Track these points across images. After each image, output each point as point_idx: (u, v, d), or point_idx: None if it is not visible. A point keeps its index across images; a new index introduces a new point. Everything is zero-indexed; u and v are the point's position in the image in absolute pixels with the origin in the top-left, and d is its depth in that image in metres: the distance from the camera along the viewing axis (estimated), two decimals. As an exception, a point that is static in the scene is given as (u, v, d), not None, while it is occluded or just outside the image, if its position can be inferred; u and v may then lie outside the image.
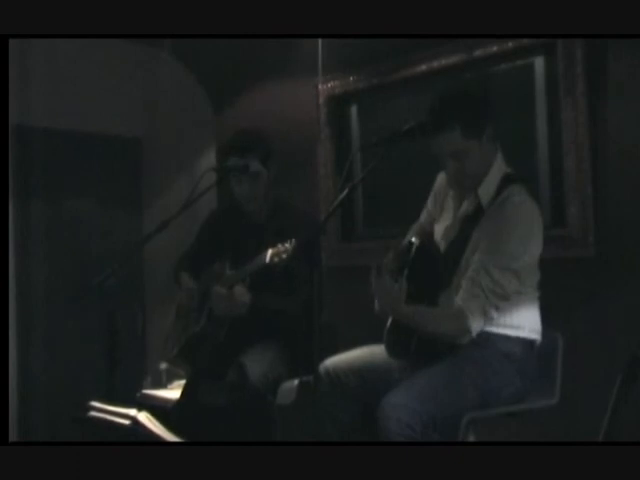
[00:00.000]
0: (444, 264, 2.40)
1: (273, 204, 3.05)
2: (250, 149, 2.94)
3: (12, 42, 2.56)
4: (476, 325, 2.26)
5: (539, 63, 3.05)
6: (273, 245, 2.62)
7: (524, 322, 2.38)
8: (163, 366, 4.01)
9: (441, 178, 2.63)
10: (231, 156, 2.95)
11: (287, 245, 2.54)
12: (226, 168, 2.99)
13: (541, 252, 2.39)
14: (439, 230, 2.55)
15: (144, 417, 2.11)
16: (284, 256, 2.53)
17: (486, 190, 2.39)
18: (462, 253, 2.37)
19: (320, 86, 3.76)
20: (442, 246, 2.48)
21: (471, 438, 2.24)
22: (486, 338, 2.33)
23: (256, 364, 2.78)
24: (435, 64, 3.31)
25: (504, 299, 2.28)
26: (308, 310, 2.69)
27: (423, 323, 2.32)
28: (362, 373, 2.47)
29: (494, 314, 2.28)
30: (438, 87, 2.56)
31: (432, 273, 2.40)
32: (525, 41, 2.98)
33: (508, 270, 2.26)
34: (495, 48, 3.09)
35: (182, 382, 3.25)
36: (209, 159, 4.38)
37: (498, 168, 2.41)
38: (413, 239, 2.34)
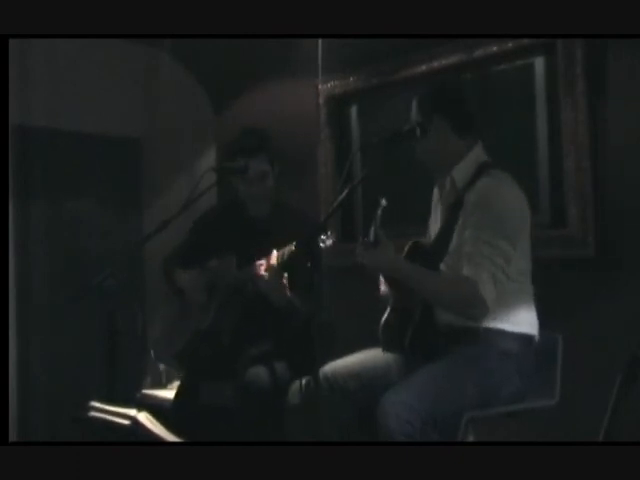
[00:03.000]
0: (435, 258, 2.41)
1: (273, 203, 3.05)
2: (260, 149, 2.95)
3: (12, 42, 2.57)
4: (488, 292, 2.26)
5: (539, 63, 3.05)
6: (277, 245, 2.62)
7: (521, 317, 2.39)
8: (163, 366, 4.01)
9: (435, 189, 2.66)
10: (239, 156, 2.94)
11: (323, 236, 2.49)
12: (227, 168, 2.99)
13: (533, 242, 2.43)
14: (431, 230, 2.61)
15: (144, 417, 2.11)
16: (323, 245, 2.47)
17: (460, 173, 2.44)
18: (449, 241, 2.40)
19: (320, 86, 3.76)
20: (432, 240, 2.53)
21: (471, 437, 2.24)
22: (485, 335, 2.34)
23: (264, 364, 2.79)
24: (435, 64, 3.31)
25: (507, 261, 2.30)
26: (309, 310, 2.70)
27: (428, 285, 2.35)
28: (361, 377, 2.48)
29: (503, 277, 2.29)
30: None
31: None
32: (525, 41, 2.98)
33: (501, 235, 2.29)
34: (495, 48, 3.09)
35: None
36: (209, 159, 4.38)
37: (475, 156, 2.47)
38: (383, 201, 2.35)
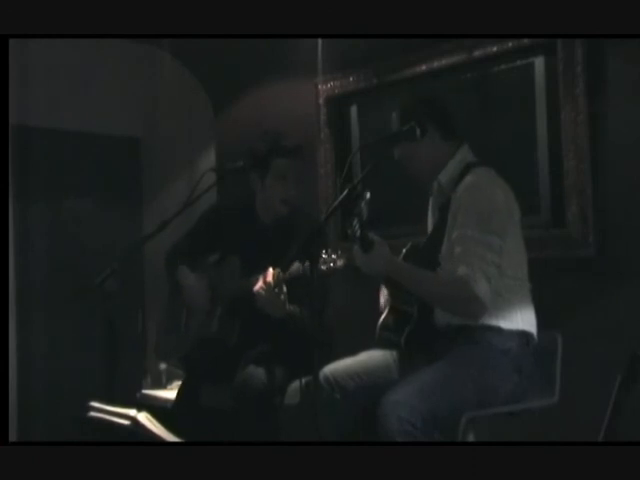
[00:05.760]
0: (430, 259, 2.42)
1: (290, 208, 3.00)
2: (298, 150, 2.94)
3: (12, 42, 2.56)
4: (483, 290, 2.26)
5: (539, 63, 3.04)
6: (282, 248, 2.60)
7: (519, 315, 2.40)
8: (163, 366, 4.01)
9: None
10: (281, 157, 2.91)
11: (333, 256, 2.49)
12: (228, 169, 2.97)
13: (523, 232, 2.45)
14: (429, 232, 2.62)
15: (144, 417, 2.11)
16: (333, 265, 2.46)
17: (446, 175, 2.47)
18: (441, 243, 2.42)
19: (320, 86, 3.76)
20: (425, 244, 2.55)
21: (471, 437, 2.24)
22: (483, 333, 2.35)
23: (264, 366, 2.78)
24: (435, 64, 3.30)
25: (498, 254, 2.31)
26: (309, 318, 2.69)
27: (425, 287, 2.36)
28: (361, 377, 2.50)
29: (496, 272, 2.30)
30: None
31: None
32: (525, 41, 2.98)
33: (488, 230, 2.31)
34: (495, 48, 3.09)
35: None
36: (209, 159, 4.38)
37: (461, 157, 2.49)
38: (367, 194, 2.33)
